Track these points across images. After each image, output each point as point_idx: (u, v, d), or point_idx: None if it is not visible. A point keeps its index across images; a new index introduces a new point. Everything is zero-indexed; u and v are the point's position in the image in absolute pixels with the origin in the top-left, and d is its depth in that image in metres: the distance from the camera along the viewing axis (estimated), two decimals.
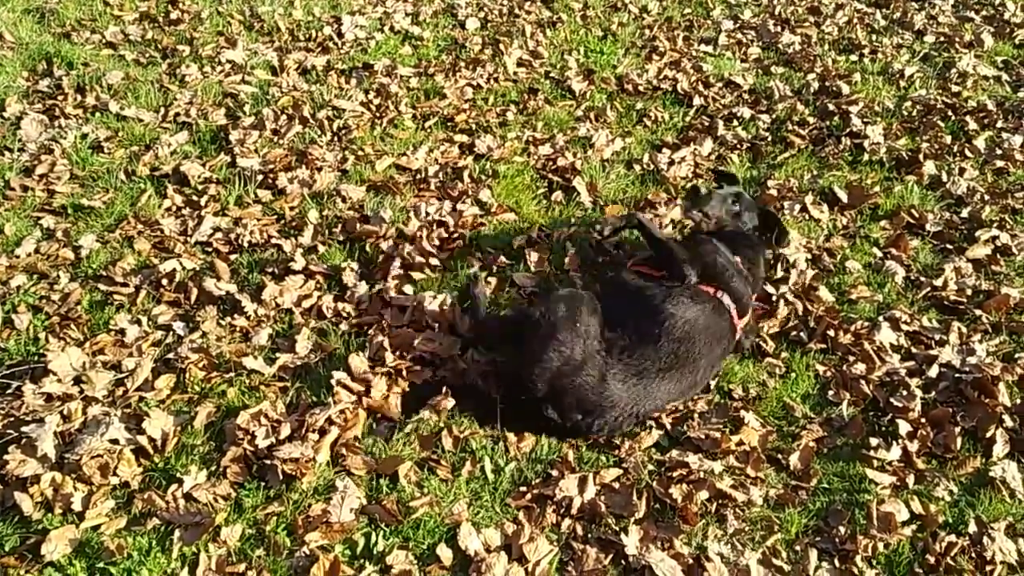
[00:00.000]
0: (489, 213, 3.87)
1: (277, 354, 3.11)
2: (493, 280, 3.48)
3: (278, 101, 4.59)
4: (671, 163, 4.22)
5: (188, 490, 2.57)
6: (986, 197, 4.06)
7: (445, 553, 2.48)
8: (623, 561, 2.49)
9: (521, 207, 3.92)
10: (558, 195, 4.02)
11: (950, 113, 4.69)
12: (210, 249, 3.61)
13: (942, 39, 5.56)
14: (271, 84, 4.77)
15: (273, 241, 3.66)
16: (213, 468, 2.67)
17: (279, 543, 2.46)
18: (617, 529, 2.57)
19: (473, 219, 3.82)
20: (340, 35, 5.31)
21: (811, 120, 4.61)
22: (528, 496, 2.66)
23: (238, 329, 3.21)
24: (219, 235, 3.67)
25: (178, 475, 2.63)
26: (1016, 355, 3.23)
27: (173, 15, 5.41)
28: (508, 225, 3.83)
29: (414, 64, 5.05)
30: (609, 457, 2.81)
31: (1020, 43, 5.56)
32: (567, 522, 2.59)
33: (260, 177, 4.02)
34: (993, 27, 5.72)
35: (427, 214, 3.80)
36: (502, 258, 3.58)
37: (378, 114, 4.54)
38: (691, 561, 2.48)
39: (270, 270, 3.49)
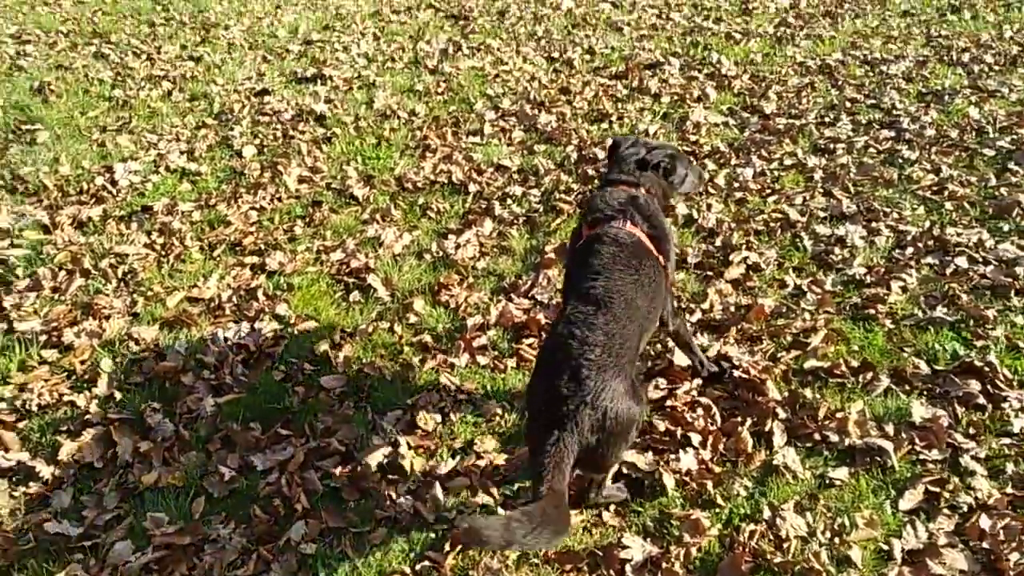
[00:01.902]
0: (289, 325, 3.94)
1: (85, 512, 2.98)
2: (301, 388, 3.53)
3: (54, 258, 4.46)
4: (458, 247, 4.49)
5: None
6: (732, 225, 4.62)
7: None
8: None
9: (320, 313, 4.02)
10: (356, 295, 4.16)
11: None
12: None
13: (676, 98, 6.33)
14: (44, 243, 4.63)
15: (65, 399, 3.53)
16: None
17: None
18: None
19: (274, 334, 3.87)
20: (114, 183, 5.26)
21: (575, 187, 5.08)
22: None
23: (34, 496, 3.04)
24: (2, 405, 3.48)
25: None
26: (778, 354, 3.67)
27: None
28: (310, 334, 3.90)
29: (195, 198, 5.09)
30: None
31: (738, 92, 6.44)
32: None
33: (43, 338, 3.87)
34: (714, 82, 6.59)
35: (225, 340, 3.82)
36: (307, 365, 3.64)
37: (163, 252, 4.53)
38: None
39: (64, 428, 3.35)
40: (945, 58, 6.94)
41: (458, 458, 3.22)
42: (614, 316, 2.69)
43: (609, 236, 2.93)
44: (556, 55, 7.37)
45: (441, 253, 4.47)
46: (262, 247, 4.59)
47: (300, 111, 6.26)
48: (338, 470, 3.16)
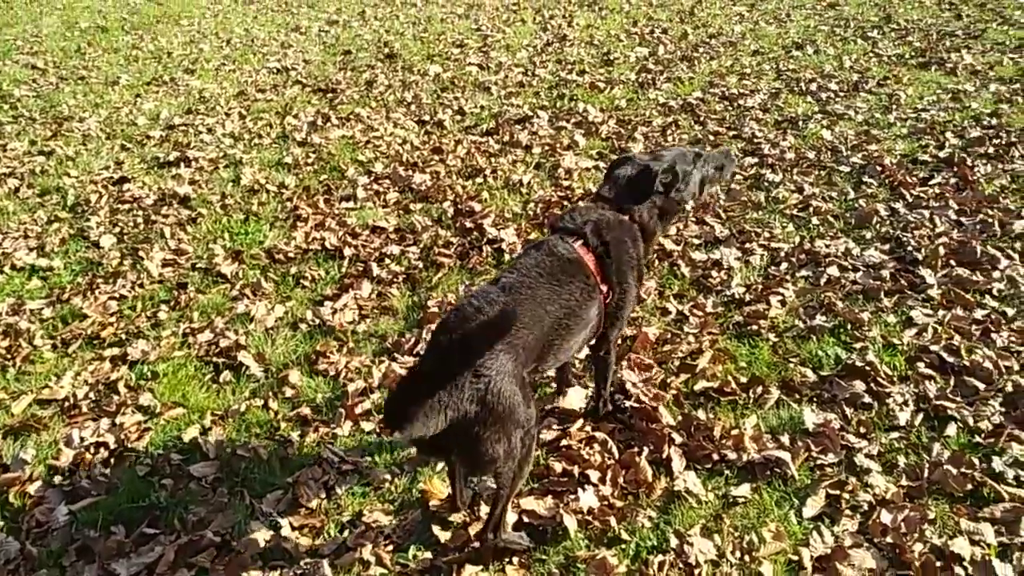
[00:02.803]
0: (154, 415, 3.62)
1: None
2: (169, 481, 3.22)
3: None
4: (334, 312, 4.29)
5: None
6: None
7: None
8: None
9: (188, 399, 3.72)
10: (226, 375, 3.88)
11: (565, 203, 5.34)
12: None
13: (546, 148, 6.39)
14: None
15: None
16: None
17: None
18: None
19: (137, 427, 3.55)
20: None
21: (454, 240, 4.98)
22: None
23: None
24: None
25: None
26: (668, 380, 3.61)
27: None
28: (177, 421, 3.60)
29: (45, 295, 4.70)
30: None
31: (606, 136, 6.56)
32: None
33: None
34: (583, 129, 6.71)
35: (81, 440, 3.47)
36: (174, 455, 3.34)
37: (8, 356, 4.12)
38: None
39: None
40: (795, 89, 7.32)
41: (346, 532, 2.98)
42: (516, 301, 2.62)
43: (549, 245, 2.89)
44: (427, 118, 7.37)
45: (317, 321, 4.26)
46: (123, 337, 4.25)
47: (163, 195, 5.97)
48: (214, 564, 2.87)
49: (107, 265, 4.99)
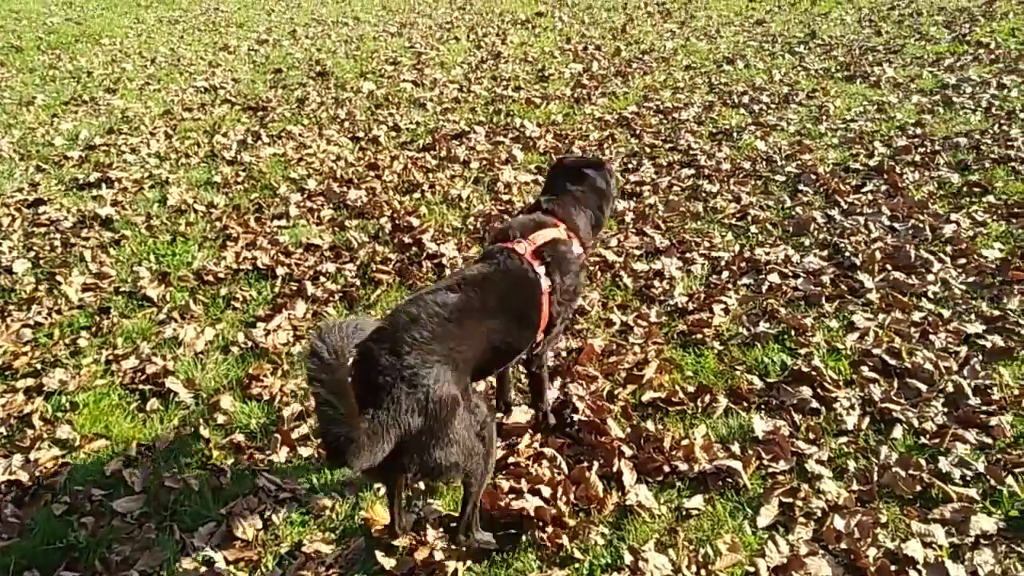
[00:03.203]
0: (73, 449, 3.38)
1: None
2: (90, 519, 2.99)
3: None
4: (267, 333, 4.11)
5: None
6: None
7: None
8: None
9: (112, 429, 3.49)
10: (153, 403, 3.66)
11: (505, 216, 5.26)
12: None
13: (484, 162, 6.31)
14: None
15: None
16: None
17: None
18: None
19: (54, 462, 3.30)
20: None
21: (392, 256, 4.85)
22: None
23: None
24: None
25: None
26: (615, 391, 3.54)
27: None
28: (99, 453, 3.36)
29: None
30: None
31: (543, 150, 6.53)
32: None
33: None
34: (520, 144, 6.67)
35: None
36: (95, 490, 3.11)
37: None
38: None
39: None
40: (728, 101, 7.44)
41: (286, 564, 2.80)
42: (455, 307, 2.54)
43: (489, 253, 2.90)
44: (361, 134, 7.23)
45: (250, 343, 4.07)
46: (38, 367, 3.98)
47: (83, 217, 5.67)
48: None
49: (20, 291, 4.69)
